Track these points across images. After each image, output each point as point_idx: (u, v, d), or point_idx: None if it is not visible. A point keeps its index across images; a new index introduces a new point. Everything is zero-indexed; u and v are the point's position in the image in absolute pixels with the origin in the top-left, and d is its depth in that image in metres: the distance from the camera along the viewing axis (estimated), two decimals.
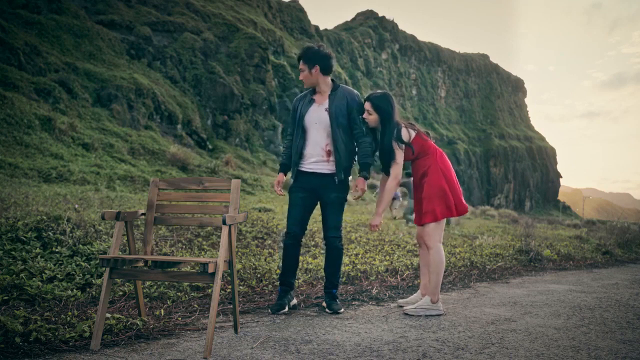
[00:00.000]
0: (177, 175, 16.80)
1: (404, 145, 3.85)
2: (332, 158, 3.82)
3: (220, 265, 2.80)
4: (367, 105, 3.86)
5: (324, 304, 3.92)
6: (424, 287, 4.07)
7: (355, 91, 3.94)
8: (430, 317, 3.77)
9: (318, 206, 3.97)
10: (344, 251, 6.24)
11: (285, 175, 3.98)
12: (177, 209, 3.36)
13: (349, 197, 3.94)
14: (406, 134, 3.88)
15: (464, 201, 3.95)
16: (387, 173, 3.93)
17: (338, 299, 3.90)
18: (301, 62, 3.83)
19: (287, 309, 3.80)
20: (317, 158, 3.82)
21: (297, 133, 3.89)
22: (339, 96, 3.84)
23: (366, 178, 3.79)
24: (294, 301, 3.90)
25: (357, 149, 3.91)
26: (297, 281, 4.52)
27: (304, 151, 3.87)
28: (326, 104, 3.84)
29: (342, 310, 3.85)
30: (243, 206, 11.01)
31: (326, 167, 3.82)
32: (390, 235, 8.23)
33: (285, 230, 3.99)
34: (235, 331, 3.17)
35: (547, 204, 79.14)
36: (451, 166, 4.03)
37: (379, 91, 4.01)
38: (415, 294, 4.21)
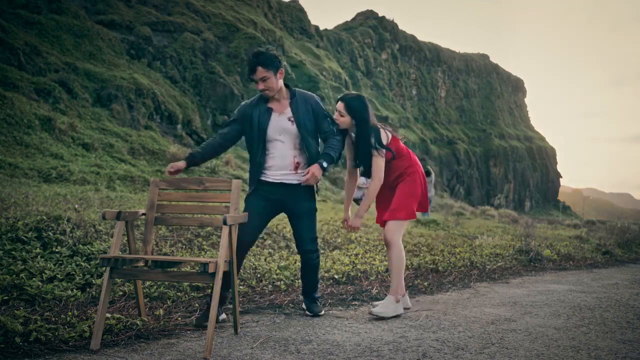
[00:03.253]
0: (177, 175, 16.77)
1: (384, 150, 3.72)
2: (300, 170, 3.55)
3: (220, 265, 2.80)
4: (340, 107, 3.69)
5: (303, 306, 3.83)
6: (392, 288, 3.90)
7: (311, 93, 3.70)
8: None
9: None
10: (343, 251, 6.25)
11: (188, 167, 3.50)
12: (178, 209, 3.37)
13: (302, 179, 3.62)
14: (385, 137, 3.78)
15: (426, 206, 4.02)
16: (367, 175, 3.85)
17: (319, 302, 3.83)
18: (261, 68, 3.37)
19: None
20: (284, 171, 3.53)
21: (258, 146, 3.50)
22: (301, 102, 3.56)
23: (322, 167, 3.45)
24: None
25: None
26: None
27: (266, 164, 3.54)
28: (288, 113, 3.53)
29: (323, 312, 3.79)
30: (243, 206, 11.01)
31: (294, 177, 3.54)
32: None
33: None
34: (235, 331, 3.17)
35: (547, 204, 79.08)
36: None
37: (352, 92, 3.89)
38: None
